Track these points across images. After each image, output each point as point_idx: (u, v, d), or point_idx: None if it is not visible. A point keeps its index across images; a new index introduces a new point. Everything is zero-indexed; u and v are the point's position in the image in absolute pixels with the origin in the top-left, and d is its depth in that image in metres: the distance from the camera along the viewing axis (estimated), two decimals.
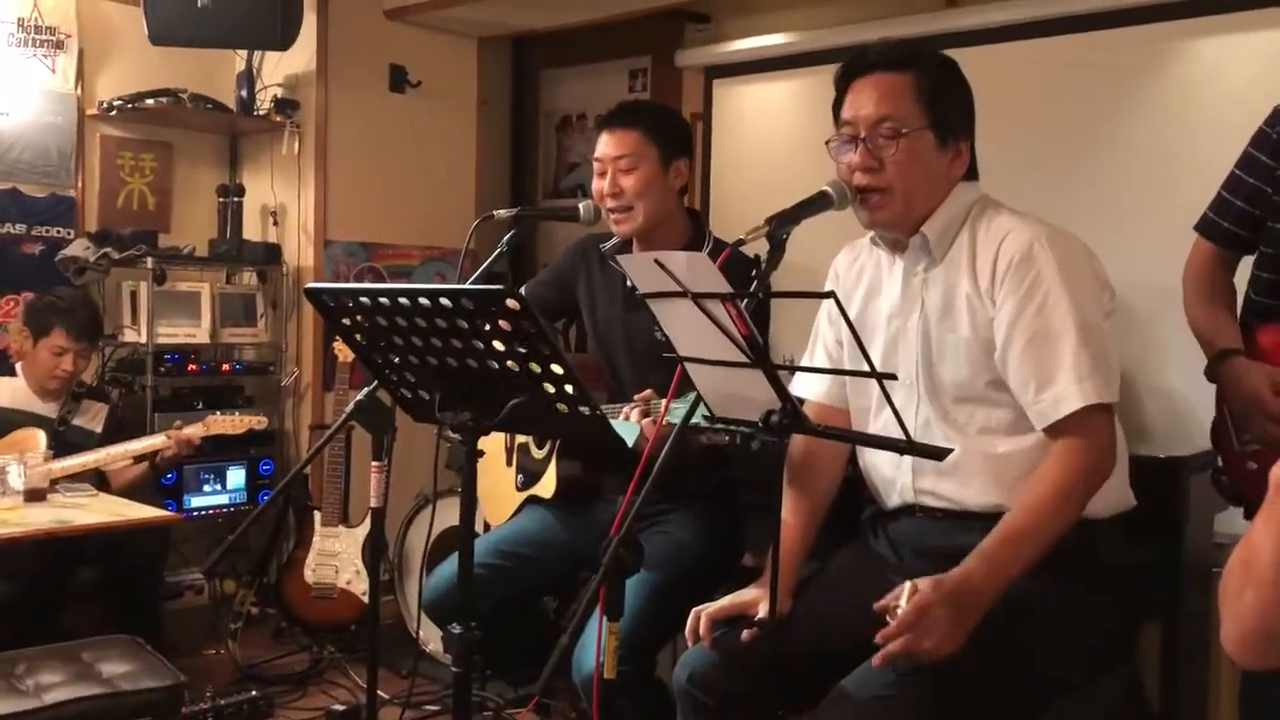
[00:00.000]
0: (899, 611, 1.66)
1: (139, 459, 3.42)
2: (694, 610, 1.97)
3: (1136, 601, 2.01)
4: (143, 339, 3.99)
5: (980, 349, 1.86)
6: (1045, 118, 3.39)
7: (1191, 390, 2.45)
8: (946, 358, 1.90)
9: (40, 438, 3.20)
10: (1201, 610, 2.70)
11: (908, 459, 1.93)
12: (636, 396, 2.27)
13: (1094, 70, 3.46)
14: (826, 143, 1.96)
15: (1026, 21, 3.55)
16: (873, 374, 1.50)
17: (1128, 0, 3.37)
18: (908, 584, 1.69)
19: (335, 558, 3.80)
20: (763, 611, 1.89)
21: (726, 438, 1.97)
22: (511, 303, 1.58)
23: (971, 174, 1.96)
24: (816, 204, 1.86)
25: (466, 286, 1.76)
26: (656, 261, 1.55)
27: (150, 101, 4.07)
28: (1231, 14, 3.20)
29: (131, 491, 3.34)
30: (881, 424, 1.97)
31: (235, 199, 4.37)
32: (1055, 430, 1.79)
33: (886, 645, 1.65)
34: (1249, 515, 2.18)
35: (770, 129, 4.30)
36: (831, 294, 1.49)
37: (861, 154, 1.89)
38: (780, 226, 1.79)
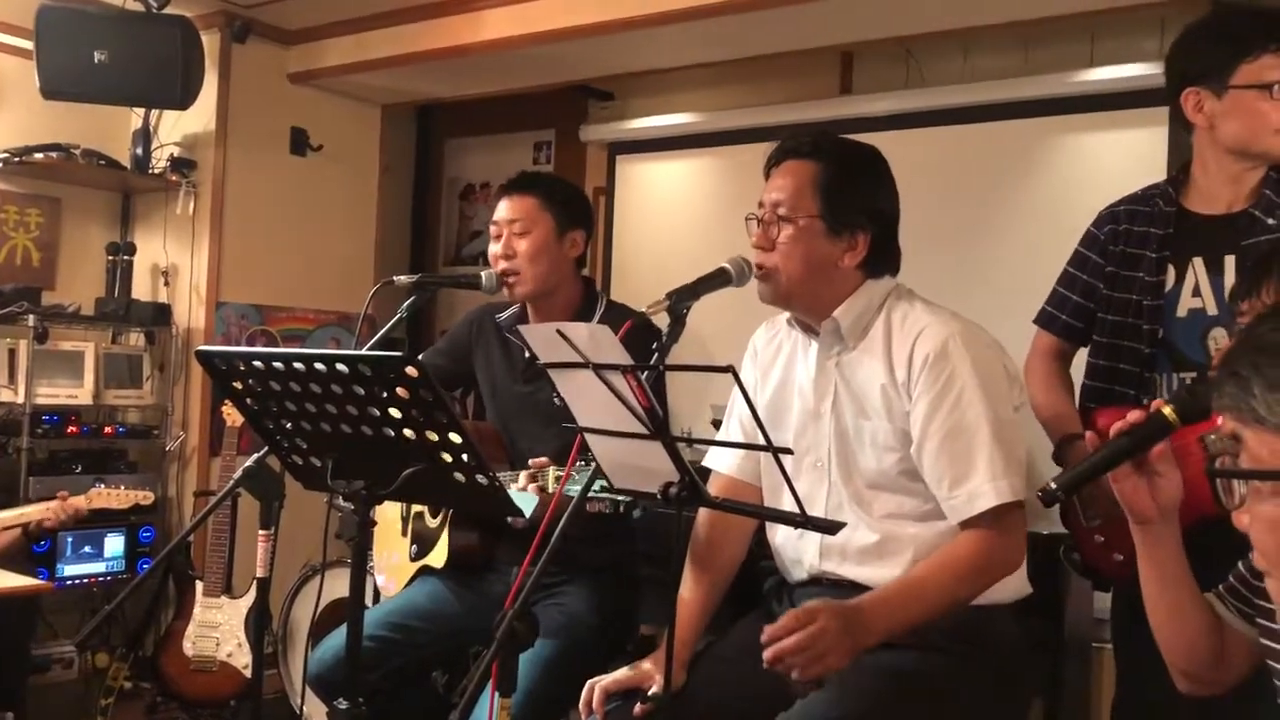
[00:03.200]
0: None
1: (8, 526, 3.26)
2: (589, 682, 1.95)
3: (1023, 684, 2.05)
4: (19, 399, 3.84)
5: (897, 438, 1.89)
6: (938, 201, 3.52)
7: None
8: (864, 445, 1.93)
9: None
10: (1082, 686, 2.77)
11: (815, 539, 1.95)
12: (531, 462, 2.26)
13: (982, 157, 3.63)
14: (746, 219, 2.00)
15: (916, 111, 3.72)
16: (769, 448, 1.52)
17: (1011, 94, 3.56)
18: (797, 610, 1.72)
19: (217, 629, 3.66)
20: (657, 685, 1.88)
21: (609, 507, 1.98)
22: (410, 370, 1.56)
23: (885, 265, 1.98)
24: (716, 280, 1.90)
25: (364, 353, 1.74)
26: (558, 331, 1.55)
27: (39, 155, 3.97)
28: (1108, 112, 3.39)
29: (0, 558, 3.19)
30: (790, 500, 1.99)
31: (125, 257, 4.27)
32: (969, 524, 1.84)
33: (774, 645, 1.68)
34: (1099, 588, 2.29)
35: (671, 204, 4.38)
36: (729, 368, 1.51)
37: (757, 234, 1.96)
38: (680, 301, 1.82)
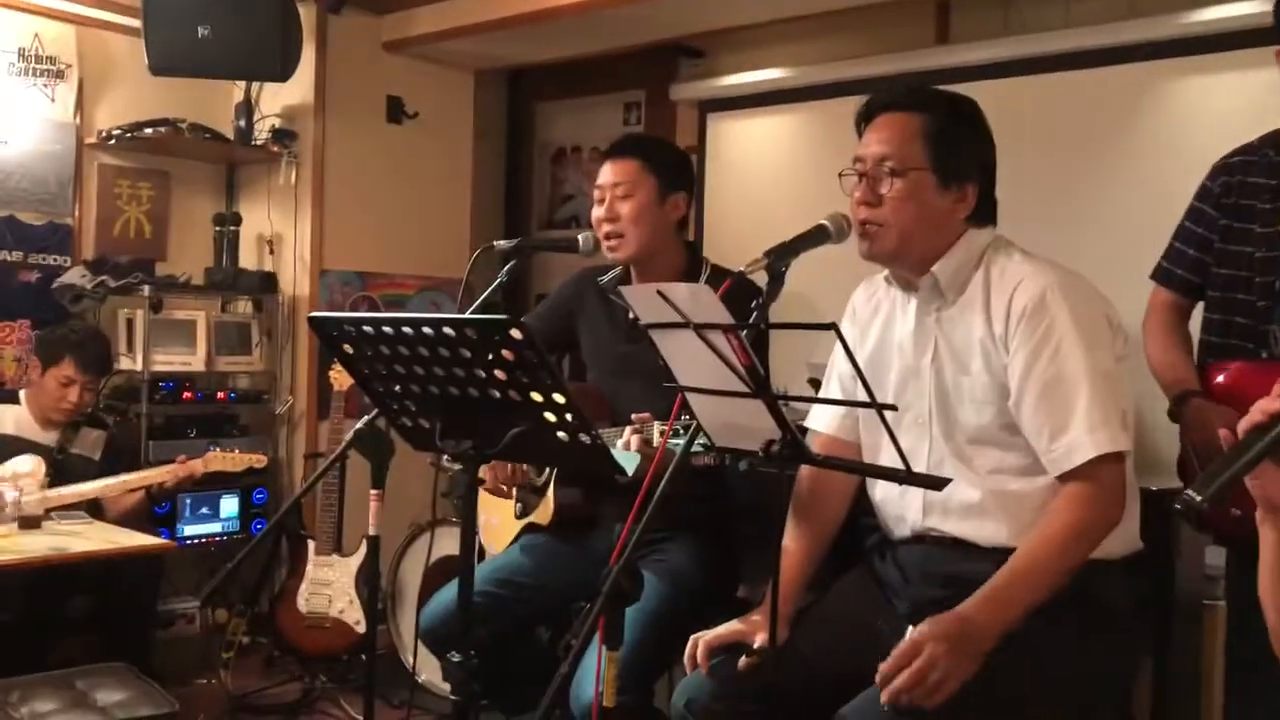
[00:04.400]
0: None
1: (134, 489, 3.42)
2: (693, 637, 1.98)
3: (1133, 643, 2.02)
4: (138, 367, 4.00)
5: (996, 392, 1.87)
6: (1039, 152, 3.44)
7: None
8: (964, 400, 1.91)
9: (38, 465, 3.20)
10: (1193, 645, 2.71)
11: (917, 496, 1.94)
12: (634, 417, 2.28)
13: (1086, 106, 3.52)
14: (840, 175, 1.98)
15: (1016, 59, 3.62)
16: (872, 404, 1.52)
17: (1116, 39, 3.44)
18: (910, 629, 1.70)
19: (329, 587, 3.79)
20: (761, 640, 1.90)
21: (715, 459, 1.99)
22: (515, 332, 1.59)
23: (987, 217, 1.97)
24: (814, 237, 1.89)
25: (470, 316, 1.78)
26: (659, 292, 1.57)
27: (149, 131, 4.10)
28: (1219, 54, 3.26)
29: (126, 520, 3.35)
30: (891, 458, 1.99)
31: (232, 228, 4.39)
32: (1068, 477, 1.81)
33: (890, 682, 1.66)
34: (1217, 541, 2.23)
35: (763, 162, 4.34)
36: (833, 325, 1.50)
37: (862, 189, 1.93)
38: (779, 259, 1.82)
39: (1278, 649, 1.41)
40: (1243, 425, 1.30)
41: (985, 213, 1.97)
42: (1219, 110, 3.25)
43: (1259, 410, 1.28)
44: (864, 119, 2.00)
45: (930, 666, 1.65)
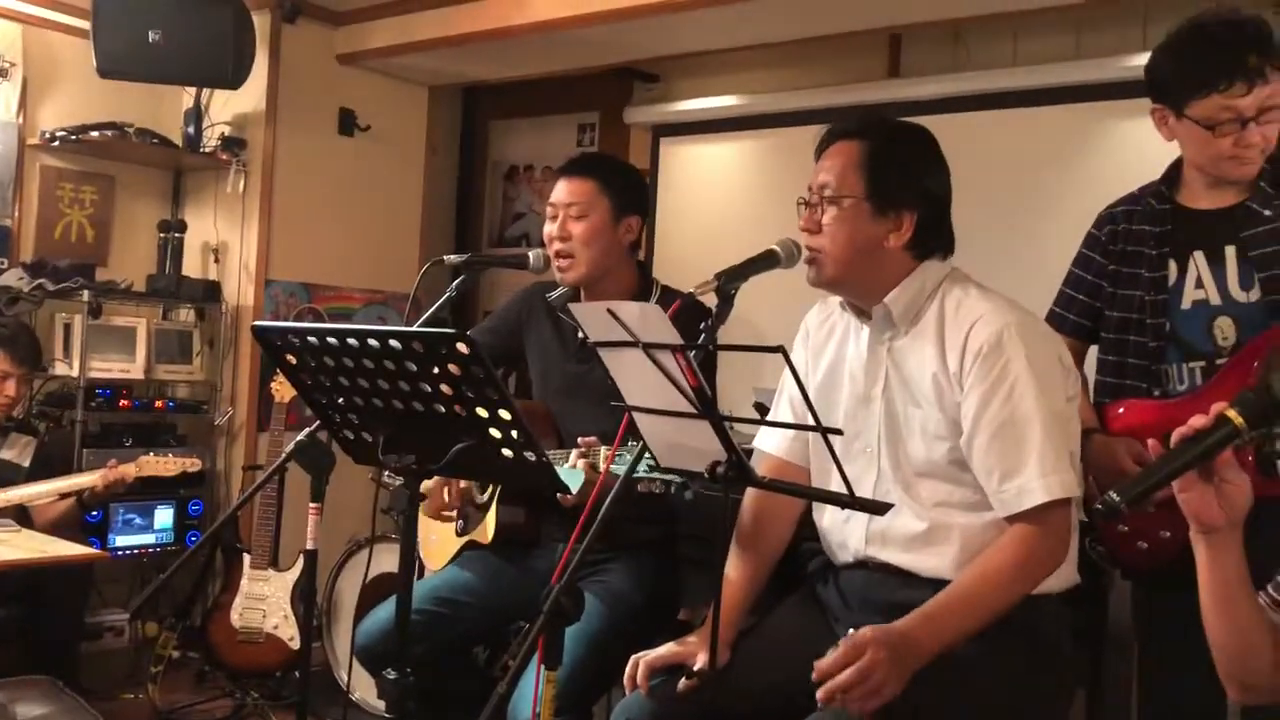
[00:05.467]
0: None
1: (65, 495, 3.34)
2: (633, 658, 1.97)
3: (1069, 675, 2.04)
4: (74, 372, 3.92)
5: (948, 428, 1.88)
6: (985, 186, 3.49)
7: None
8: (914, 432, 1.92)
9: None
10: (1125, 675, 2.76)
11: (861, 524, 1.95)
12: (581, 441, 2.28)
13: (1032, 143, 3.59)
14: (798, 202, 1.99)
15: (965, 94, 3.68)
16: (818, 428, 1.53)
17: (1062, 79, 3.52)
18: (849, 631, 1.71)
19: (263, 601, 3.73)
20: (701, 662, 1.90)
21: (660, 488, 1.99)
22: (462, 346, 1.59)
23: (942, 247, 1.97)
24: (765, 261, 1.90)
25: (417, 329, 1.77)
26: (609, 311, 1.57)
27: (94, 134, 4.04)
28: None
29: (55, 528, 3.26)
30: (838, 483, 2.00)
31: (176, 235, 4.33)
32: (1016, 519, 1.82)
33: (827, 685, 1.66)
34: (1125, 576, 2.29)
35: (715, 187, 4.37)
36: (780, 349, 1.51)
37: (805, 216, 1.95)
38: (729, 281, 1.83)
39: (1222, 674, 1.44)
40: (1176, 435, 1.34)
41: (934, 243, 1.97)
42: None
43: (1190, 426, 1.32)
44: (822, 147, 2.01)
45: (873, 668, 1.66)
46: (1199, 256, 2.15)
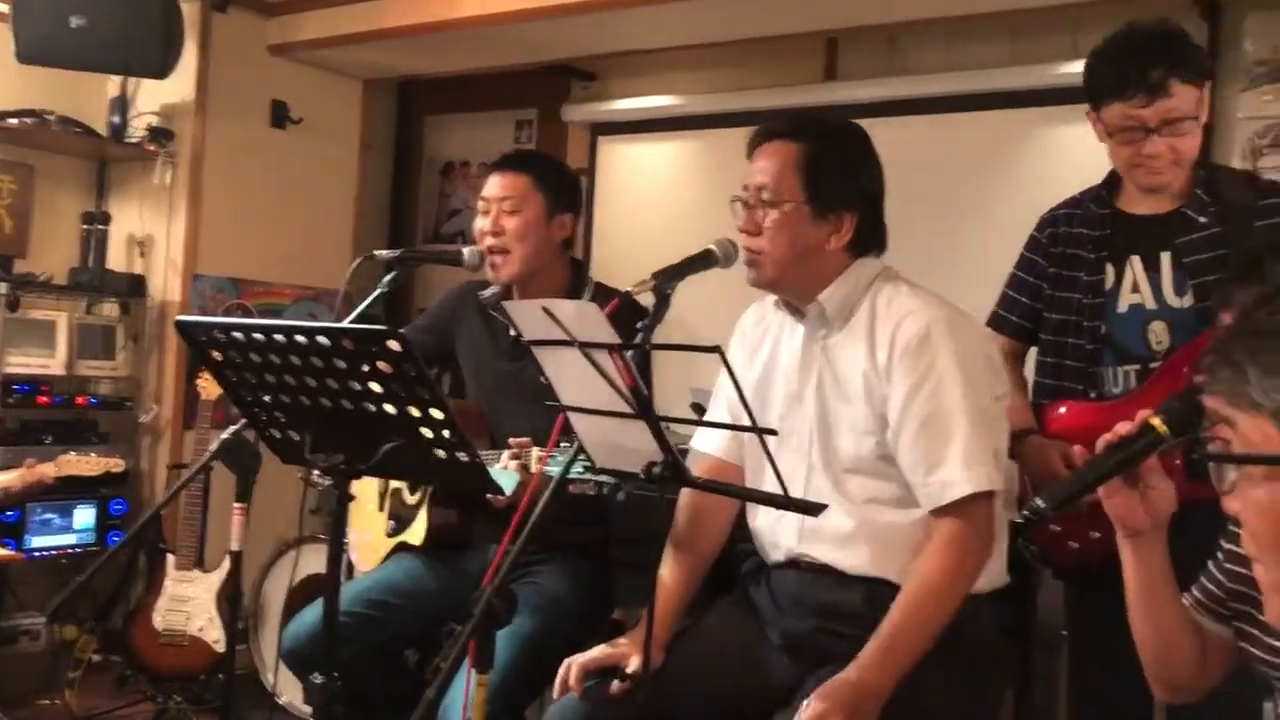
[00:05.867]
0: None
1: None
2: (566, 661, 1.95)
3: (1000, 676, 2.06)
4: None
5: (875, 423, 1.88)
6: (919, 189, 3.52)
7: None
8: (843, 428, 1.92)
9: None
10: (1052, 673, 2.79)
11: (794, 522, 1.94)
12: (513, 441, 2.25)
13: (965, 147, 3.64)
14: (731, 201, 1.98)
15: (899, 98, 3.72)
16: (753, 429, 1.52)
17: (996, 84, 3.56)
18: (805, 703, 1.69)
19: (188, 603, 3.64)
20: (635, 664, 1.88)
21: (593, 489, 1.97)
22: (393, 344, 1.55)
23: (875, 245, 1.99)
24: (702, 261, 1.90)
25: (347, 325, 1.73)
26: (544, 309, 1.55)
27: (13, 121, 3.91)
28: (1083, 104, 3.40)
29: None
30: (771, 483, 1.99)
31: (100, 227, 4.22)
32: (941, 513, 1.83)
33: None
34: (1057, 576, 2.33)
35: (652, 187, 4.37)
36: (717, 349, 1.50)
37: (743, 219, 1.95)
38: (666, 281, 1.81)
39: (1148, 673, 1.46)
40: (1101, 442, 1.36)
41: (870, 241, 1.98)
42: (1091, 156, 3.37)
43: (1115, 433, 1.34)
44: (754, 146, 2.01)
45: None
46: (1135, 261, 2.19)
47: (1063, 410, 2.22)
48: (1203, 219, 2.13)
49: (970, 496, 1.80)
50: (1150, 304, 2.17)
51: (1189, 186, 2.16)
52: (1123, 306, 2.19)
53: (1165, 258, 2.16)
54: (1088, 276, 2.21)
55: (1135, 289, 2.18)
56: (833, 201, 1.92)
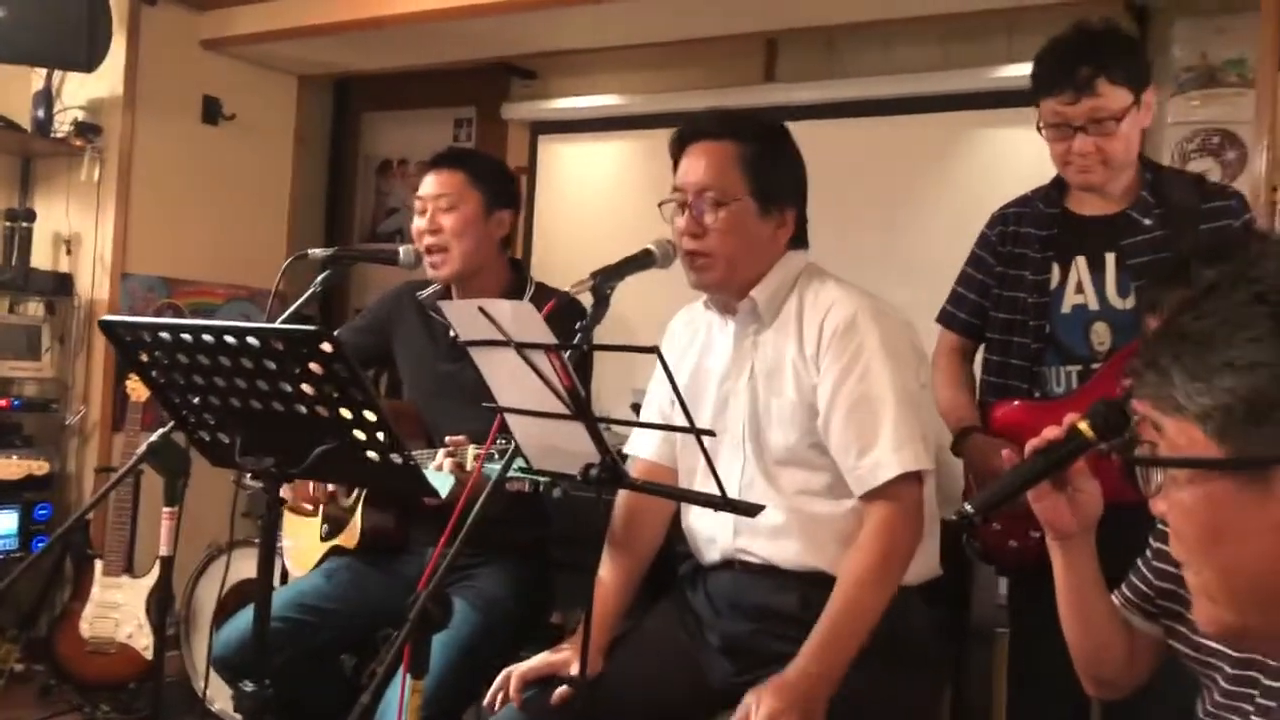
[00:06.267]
0: None
1: None
2: (504, 671, 1.92)
3: (938, 673, 2.08)
4: None
5: (804, 413, 1.90)
6: (855, 191, 3.55)
7: None
8: (773, 420, 1.93)
9: None
10: (986, 670, 2.82)
11: (729, 519, 1.94)
12: (448, 440, 2.23)
13: (901, 150, 3.67)
14: (660, 205, 1.98)
15: (837, 101, 3.74)
16: (691, 430, 1.51)
17: (930, 88, 3.60)
18: (749, 696, 1.69)
19: (116, 610, 3.55)
20: (575, 671, 1.87)
21: (529, 486, 1.96)
22: (325, 345, 1.52)
23: (800, 241, 2.02)
24: (641, 261, 1.88)
25: (277, 326, 1.69)
26: (480, 309, 1.53)
27: None
28: (1024, 108, 3.43)
29: None
30: (707, 483, 1.98)
31: (24, 224, 4.09)
32: (872, 496, 1.84)
33: None
34: (1000, 573, 2.35)
35: (593, 186, 4.35)
36: (655, 349, 1.49)
37: (687, 220, 1.93)
38: (605, 281, 1.79)
39: (1079, 670, 1.47)
40: (1029, 447, 1.37)
41: (801, 236, 2.01)
42: (1024, 159, 3.40)
43: (1042, 438, 1.35)
44: (679, 146, 2.00)
45: None
46: (1080, 262, 2.21)
47: (1006, 409, 2.24)
48: (1147, 221, 2.15)
49: (900, 477, 1.81)
50: (1094, 305, 2.19)
51: (1135, 188, 2.18)
52: (1066, 307, 2.21)
53: (1110, 259, 2.18)
54: (1033, 275, 2.23)
55: (1079, 289, 2.20)
56: (776, 197, 1.94)
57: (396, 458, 1.64)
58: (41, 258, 4.17)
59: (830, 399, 1.86)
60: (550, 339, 1.50)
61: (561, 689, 1.86)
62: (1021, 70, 3.30)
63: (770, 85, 3.96)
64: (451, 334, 2.08)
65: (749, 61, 3.99)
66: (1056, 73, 2.11)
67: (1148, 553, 1.47)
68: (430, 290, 2.58)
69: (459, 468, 2.17)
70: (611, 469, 1.56)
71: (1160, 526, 1.45)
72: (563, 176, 4.44)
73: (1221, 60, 3.18)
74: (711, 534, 2.00)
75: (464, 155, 2.62)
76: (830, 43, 3.84)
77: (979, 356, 2.42)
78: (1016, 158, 3.45)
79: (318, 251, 2.40)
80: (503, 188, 2.56)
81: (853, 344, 1.86)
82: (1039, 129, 2.17)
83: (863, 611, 1.78)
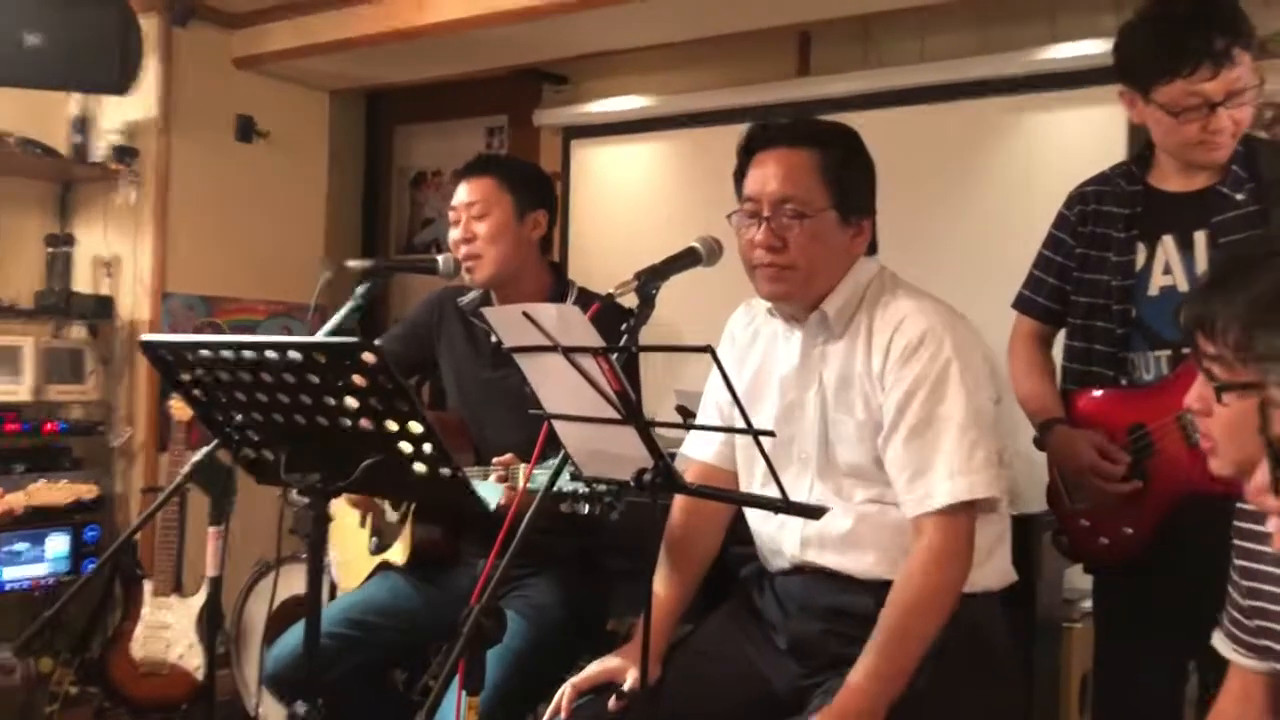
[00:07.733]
0: None
1: None
2: (564, 685, 1.88)
3: (1015, 676, 2.02)
4: None
5: (873, 431, 1.83)
6: (896, 183, 3.47)
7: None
8: (842, 435, 1.87)
9: None
10: (1053, 667, 2.75)
11: (795, 529, 1.89)
12: (495, 461, 2.19)
13: (941, 138, 3.60)
14: (729, 216, 1.90)
15: (874, 91, 3.68)
16: (749, 431, 1.46)
17: (969, 74, 3.53)
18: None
19: (167, 630, 3.55)
20: (631, 680, 1.82)
21: (586, 508, 1.90)
22: (367, 356, 1.49)
23: (870, 247, 1.94)
24: (685, 260, 1.83)
25: (319, 339, 1.67)
26: (525, 314, 1.49)
27: None
28: (1066, 90, 3.36)
29: None
30: (766, 487, 1.94)
31: (65, 249, 4.13)
32: (921, 520, 1.77)
33: None
34: (1088, 570, 2.27)
35: (627, 189, 4.32)
36: (708, 348, 1.45)
37: (765, 232, 1.84)
38: (649, 281, 1.75)
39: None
40: None
41: (871, 242, 1.93)
42: (1066, 144, 3.35)
43: None
44: (747, 154, 1.91)
45: None
46: (1168, 241, 2.08)
47: (1091, 397, 2.13)
48: (1240, 196, 2.01)
49: (950, 506, 1.75)
50: (1184, 286, 2.05)
51: (1226, 162, 2.04)
52: (1154, 289, 2.08)
53: (1200, 237, 2.05)
54: (1117, 257, 2.11)
55: (1167, 270, 2.07)
56: (856, 206, 1.87)
57: (444, 470, 1.60)
58: (82, 281, 4.19)
59: (893, 420, 1.80)
60: (597, 341, 1.46)
61: (616, 699, 1.82)
62: (1066, 52, 3.30)
63: (805, 79, 3.91)
64: (494, 340, 2.04)
65: (783, 56, 3.94)
66: (1189, 49, 1.93)
67: (1233, 574, 1.39)
68: (470, 296, 2.55)
69: (511, 490, 2.13)
70: (666, 473, 1.52)
71: (1238, 542, 1.39)
72: (597, 180, 4.41)
73: (1272, 31, 3.08)
74: (777, 545, 1.94)
75: (492, 161, 2.59)
76: (866, 33, 3.78)
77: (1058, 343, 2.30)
78: (1060, 142, 3.38)
79: (357, 263, 2.38)
80: (534, 188, 2.52)
81: (920, 364, 1.78)
82: (1169, 114, 1.98)
83: (910, 636, 1.72)
